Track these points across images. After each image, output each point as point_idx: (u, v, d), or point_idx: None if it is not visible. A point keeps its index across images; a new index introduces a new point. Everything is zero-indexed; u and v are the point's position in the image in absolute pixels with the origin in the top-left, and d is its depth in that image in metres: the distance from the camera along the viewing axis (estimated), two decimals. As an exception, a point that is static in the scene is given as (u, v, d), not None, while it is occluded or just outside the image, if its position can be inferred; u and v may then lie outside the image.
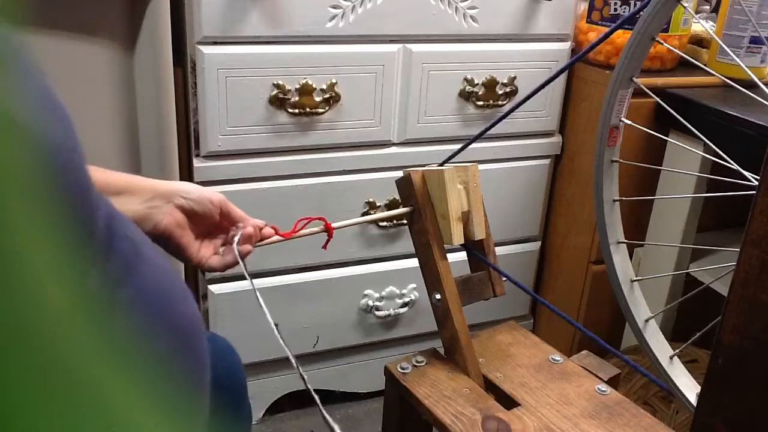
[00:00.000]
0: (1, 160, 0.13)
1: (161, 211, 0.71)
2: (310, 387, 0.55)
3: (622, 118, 0.83)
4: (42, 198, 0.14)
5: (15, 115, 0.28)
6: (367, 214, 1.31)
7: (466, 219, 0.87)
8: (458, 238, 0.85)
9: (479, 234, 0.89)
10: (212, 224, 0.75)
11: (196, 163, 1.19)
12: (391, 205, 1.33)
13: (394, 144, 1.32)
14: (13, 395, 0.11)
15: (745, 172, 0.74)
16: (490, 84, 1.33)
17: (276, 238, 0.78)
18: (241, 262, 0.72)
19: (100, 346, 0.13)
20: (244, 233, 0.74)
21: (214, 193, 0.75)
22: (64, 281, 0.14)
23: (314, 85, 1.20)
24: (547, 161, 1.47)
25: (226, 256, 0.75)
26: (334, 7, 1.18)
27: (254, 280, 1.26)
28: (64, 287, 0.13)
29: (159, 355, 0.47)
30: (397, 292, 1.42)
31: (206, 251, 0.75)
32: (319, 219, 0.79)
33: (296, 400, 1.46)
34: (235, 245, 0.73)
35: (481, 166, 0.91)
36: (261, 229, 0.77)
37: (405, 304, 1.43)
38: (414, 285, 1.42)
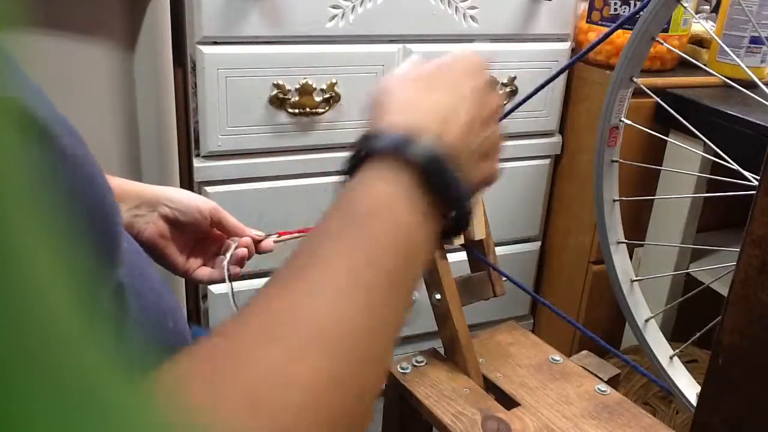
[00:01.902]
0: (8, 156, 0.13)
1: (144, 219, 0.67)
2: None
3: (622, 118, 0.83)
4: (52, 204, 0.14)
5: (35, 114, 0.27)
6: (367, 214, 1.31)
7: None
8: (458, 238, 0.85)
9: (479, 234, 0.89)
10: (202, 232, 0.71)
11: (196, 163, 1.19)
12: (391, 205, 1.33)
13: (394, 144, 1.32)
14: (17, 405, 0.11)
15: (745, 172, 0.74)
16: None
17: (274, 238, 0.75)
18: (229, 285, 0.68)
19: (111, 360, 0.13)
20: (236, 254, 0.70)
21: (204, 201, 0.70)
22: (74, 294, 0.14)
23: (314, 85, 1.20)
24: (547, 161, 1.47)
25: (215, 270, 0.71)
26: (334, 7, 1.18)
27: (254, 281, 1.26)
28: (72, 300, 0.13)
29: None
30: (397, 292, 1.42)
31: (194, 262, 0.71)
32: (301, 231, 0.76)
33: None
34: (225, 267, 0.69)
35: (481, 166, 0.91)
36: (259, 241, 0.72)
37: (405, 304, 1.43)
38: (414, 285, 1.42)
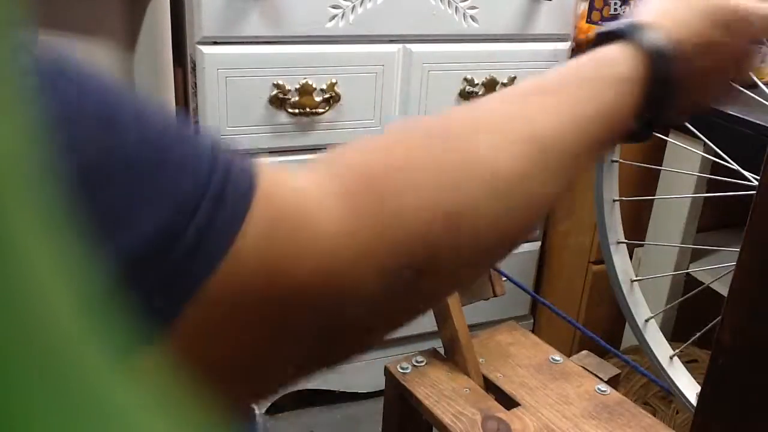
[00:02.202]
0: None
1: None
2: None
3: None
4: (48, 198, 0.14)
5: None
6: (367, 214, 1.31)
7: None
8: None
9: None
10: None
11: (196, 163, 1.19)
12: (391, 205, 1.33)
13: (394, 144, 1.32)
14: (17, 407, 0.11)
15: (745, 172, 0.74)
16: (490, 84, 1.33)
17: None
18: None
19: (113, 360, 0.13)
20: None
21: None
22: (75, 287, 0.14)
23: (314, 85, 1.20)
24: (547, 161, 1.47)
25: None
26: (334, 7, 1.18)
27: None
28: (73, 295, 0.13)
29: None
30: (397, 292, 1.42)
31: None
32: None
33: (296, 400, 1.46)
34: None
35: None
36: None
37: (405, 304, 1.43)
38: (414, 285, 1.42)
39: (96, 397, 0.12)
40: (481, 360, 0.89)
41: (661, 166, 1.32)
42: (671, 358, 0.84)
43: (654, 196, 1.37)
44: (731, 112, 1.17)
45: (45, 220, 0.13)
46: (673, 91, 0.39)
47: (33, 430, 0.11)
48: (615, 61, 0.39)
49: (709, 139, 0.87)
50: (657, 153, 1.32)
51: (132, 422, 0.13)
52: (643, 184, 1.37)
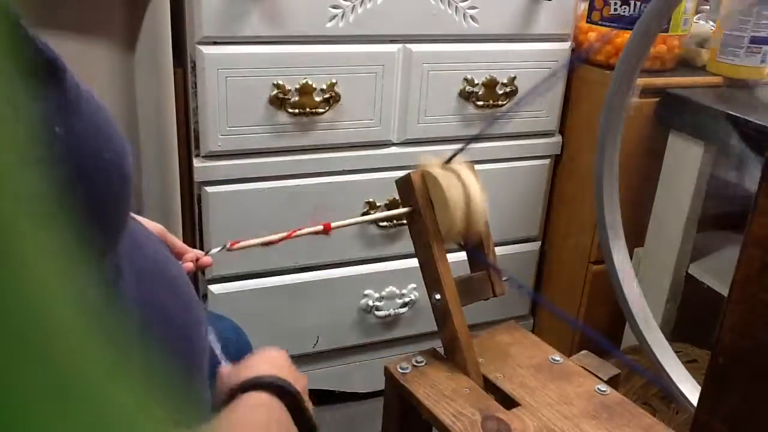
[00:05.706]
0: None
1: None
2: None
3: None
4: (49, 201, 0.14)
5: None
6: (366, 214, 1.31)
7: (466, 210, 0.87)
8: (459, 227, 0.85)
9: (480, 225, 0.88)
10: None
11: (196, 163, 1.19)
12: (391, 205, 1.33)
13: (394, 144, 1.32)
14: (17, 408, 0.11)
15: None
16: (490, 84, 1.33)
17: (274, 237, 0.78)
18: None
19: (107, 354, 0.13)
20: (185, 267, 0.74)
21: (153, 225, 0.73)
22: (69, 288, 0.14)
23: (314, 85, 1.20)
24: (547, 161, 1.47)
25: None
26: (334, 7, 1.18)
27: (256, 280, 1.26)
28: (68, 294, 0.13)
29: (159, 343, 0.51)
30: (397, 292, 1.42)
31: None
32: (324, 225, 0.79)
33: (296, 400, 1.46)
34: None
35: (481, 166, 0.91)
36: (197, 260, 0.77)
37: (405, 304, 1.43)
38: (414, 285, 1.42)
39: (95, 395, 0.12)
40: (481, 360, 0.89)
41: (661, 166, 1.32)
42: (670, 356, 0.84)
43: (654, 196, 1.37)
44: (731, 112, 1.17)
45: (47, 223, 0.13)
46: (294, 392, 0.57)
47: (33, 428, 0.11)
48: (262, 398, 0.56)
49: (709, 140, 0.87)
50: (657, 153, 1.32)
51: (131, 421, 0.13)
52: (643, 184, 1.37)
